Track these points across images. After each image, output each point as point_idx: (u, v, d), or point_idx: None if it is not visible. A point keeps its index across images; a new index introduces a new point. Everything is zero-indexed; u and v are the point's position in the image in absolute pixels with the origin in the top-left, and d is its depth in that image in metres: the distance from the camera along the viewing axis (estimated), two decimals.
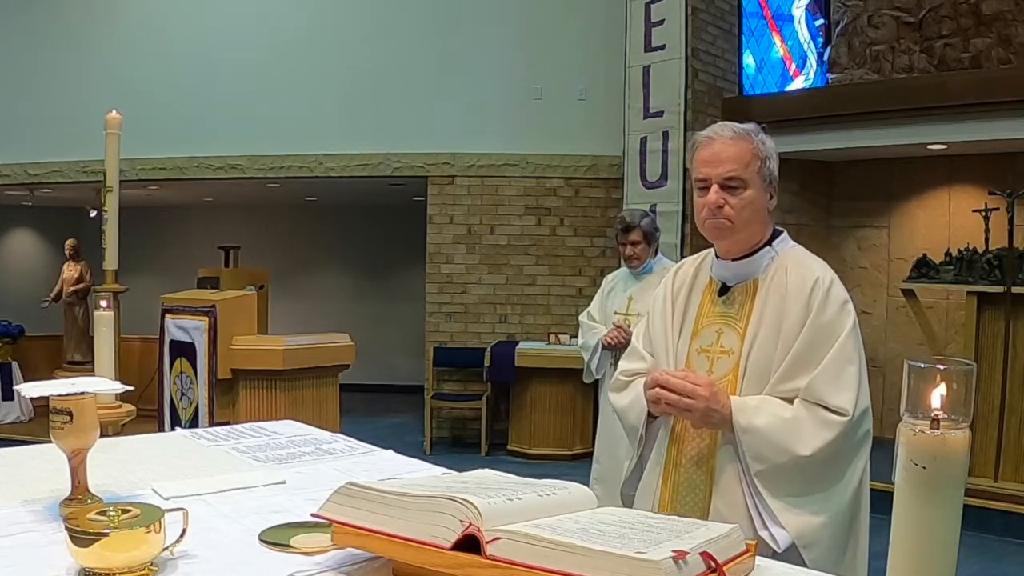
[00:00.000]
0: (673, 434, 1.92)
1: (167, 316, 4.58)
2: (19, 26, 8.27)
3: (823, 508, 1.75)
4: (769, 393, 1.80)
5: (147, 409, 3.77)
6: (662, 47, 6.80)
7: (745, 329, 1.86)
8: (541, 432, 7.11)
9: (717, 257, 1.96)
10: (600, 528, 0.97)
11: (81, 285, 9.28)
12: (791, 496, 1.74)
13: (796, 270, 1.86)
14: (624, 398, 2.04)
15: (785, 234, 1.95)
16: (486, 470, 1.28)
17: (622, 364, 2.12)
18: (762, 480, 1.75)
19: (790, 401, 1.78)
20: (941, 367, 0.84)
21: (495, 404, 7.62)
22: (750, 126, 1.93)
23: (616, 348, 4.19)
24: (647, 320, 2.09)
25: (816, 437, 1.73)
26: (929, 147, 6.50)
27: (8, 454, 1.66)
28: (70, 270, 9.37)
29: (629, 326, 4.17)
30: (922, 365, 0.85)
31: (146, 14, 8.15)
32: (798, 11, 7.65)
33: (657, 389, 1.81)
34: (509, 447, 7.28)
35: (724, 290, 1.92)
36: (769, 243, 1.91)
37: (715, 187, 1.85)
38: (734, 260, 1.91)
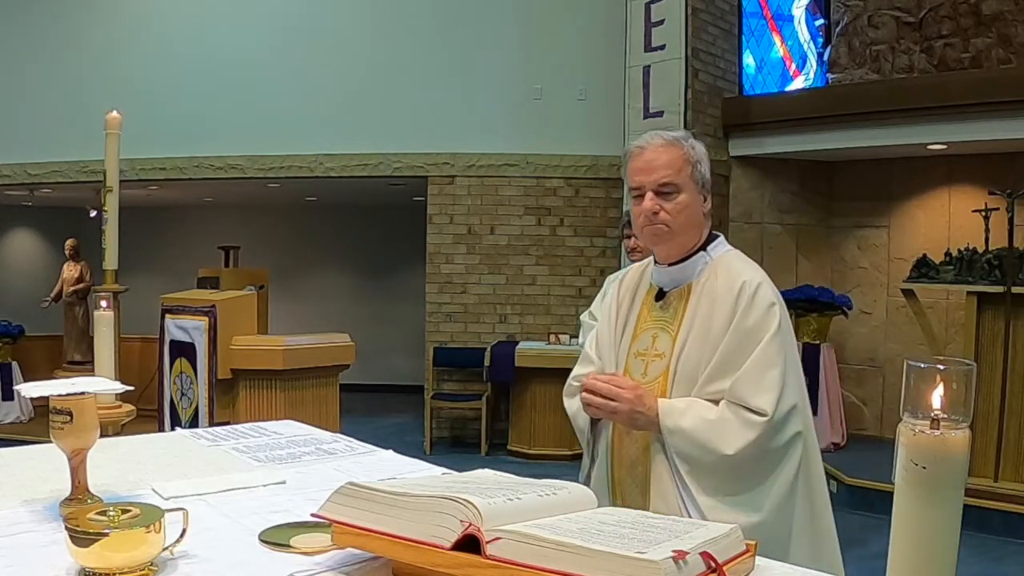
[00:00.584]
0: (613, 435, 1.99)
1: (167, 316, 4.58)
2: (19, 26, 8.27)
3: (755, 508, 1.79)
4: (697, 395, 1.85)
5: (147, 409, 3.77)
6: (662, 47, 6.80)
7: (677, 333, 1.91)
8: (541, 432, 7.11)
9: (656, 263, 2.01)
10: (600, 528, 0.97)
11: (81, 285, 9.28)
12: (720, 495, 1.79)
13: (725, 274, 1.90)
14: (574, 403, 2.09)
15: (721, 238, 2.00)
16: (486, 470, 1.28)
17: (575, 369, 2.18)
18: (691, 479, 1.80)
19: (717, 403, 1.82)
20: (941, 367, 0.84)
21: (495, 404, 7.62)
22: (680, 133, 1.97)
23: None
24: (598, 325, 2.17)
25: (739, 437, 1.77)
26: (929, 147, 6.50)
27: (8, 454, 1.66)
28: (70, 270, 9.38)
29: None
30: (922, 365, 0.84)
31: (146, 14, 8.15)
32: (798, 11, 7.65)
33: (584, 393, 1.88)
34: (509, 447, 7.28)
35: (661, 295, 1.98)
36: (704, 248, 1.95)
37: (650, 194, 1.89)
38: (670, 265, 1.96)
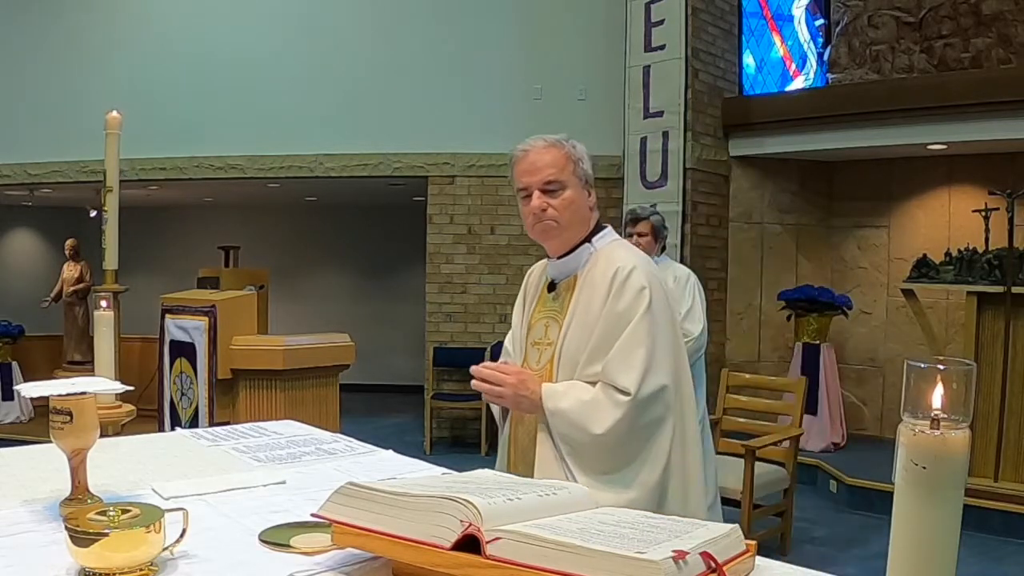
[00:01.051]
0: (511, 422, 2.12)
1: (167, 316, 4.58)
2: (19, 26, 8.27)
3: (629, 484, 1.88)
4: (577, 378, 1.95)
5: (147, 409, 3.77)
6: (662, 47, 6.80)
7: (563, 321, 2.03)
8: None
9: (548, 258, 2.14)
10: (600, 528, 0.97)
11: (81, 285, 9.28)
12: (596, 474, 1.87)
13: (604, 262, 2.01)
14: None
15: (608, 230, 2.11)
16: (486, 470, 1.28)
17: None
18: (571, 460, 1.90)
19: (594, 385, 1.93)
20: (941, 367, 0.84)
21: None
22: (560, 136, 2.09)
23: None
24: (513, 319, 2.31)
25: (608, 416, 1.86)
26: (929, 147, 6.50)
27: (8, 454, 1.66)
28: (70, 270, 9.38)
29: None
30: (922, 365, 0.84)
31: (146, 14, 8.15)
32: (798, 11, 7.65)
33: (473, 380, 2.01)
34: None
35: (552, 287, 2.11)
36: (589, 239, 2.07)
37: (537, 193, 2.01)
38: (559, 259, 2.08)
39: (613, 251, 2.03)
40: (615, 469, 1.88)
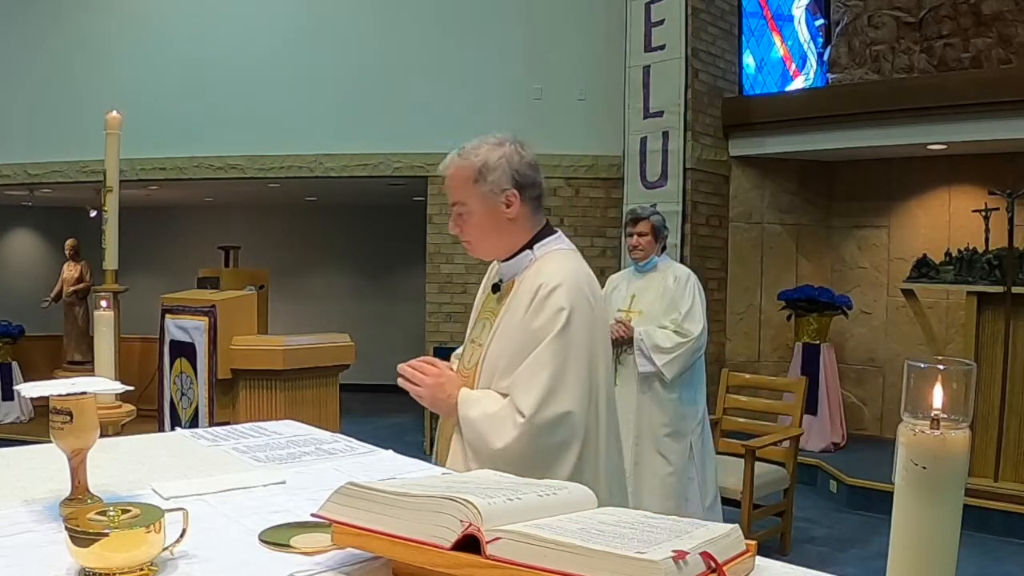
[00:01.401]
0: (441, 419, 2.12)
1: (167, 316, 4.58)
2: (19, 26, 8.27)
3: None
4: (493, 387, 1.94)
5: (147, 409, 3.77)
6: (662, 47, 6.80)
7: (494, 324, 2.01)
8: None
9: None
10: (600, 528, 0.97)
11: (81, 285, 9.28)
12: None
13: (536, 273, 1.97)
14: None
15: (555, 236, 2.06)
16: (486, 470, 1.28)
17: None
18: (475, 467, 1.86)
19: (506, 397, 1.91)
20: (941, 367, 0.84)
21: None
22: (475, 143, 2.03)
23: (618, 343, 4.20)
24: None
25: (507, 434, 1.84)
26: (929, 147, 6.51)
27: (8, 454, 1.66)
28: (70, 270, 9.38)
29: (631, 323, 4.18)
30: (922, 365, 0.84)
31: (146, 14, 8.15)
32: (798, 11, 7.65)
33: (399, 378, 2.01)
34: None
35: (497, 287, 2.08)
36: (531, 245, 2.02)
37: (452, 213, 2.02)
38: (503, 261, 2.06)
39: (548, 263, 1.98)
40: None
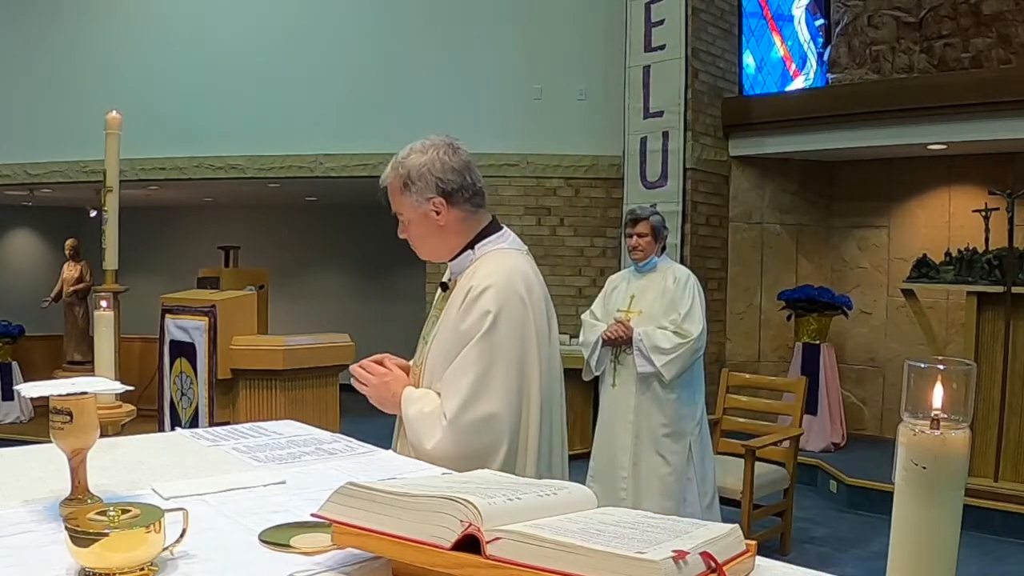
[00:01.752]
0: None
1: (167, 316, 4.58)
2: (19, 26, 8.27)
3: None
4: (433, 387, 1.96)
5: (147, 409, 3.77)
6: (662, 47, 6.80)
7: (437, 323, 2.06)
8: None
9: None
10: (600, 528, 0.97)
11: (81, 285, 9.28)
12: None
13: (471, 274, 1.99)
14: None
15: (497, 235, 2.06)
16: (486, 470, 1.28)
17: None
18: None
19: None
20: (941, 367, 0.84)
21: None
22: (406, 149, 2.04)
23: (617, 343, 4.20)
24: None
25: (435, 434, 1.86)
26: (929, 147, 6.51)
27: (8, 454, 1.66)
28: (70, 270, 9.38)
29: (630, 323, 4.18)
30: (922, 365, 0.84)
31: (146, 14, 8.15)
32: (798, 11, 7.65)
33: (352, 378, 2.10)
34: None
35: (445, 286, 2.12)
36: (472, 244, 2.03)
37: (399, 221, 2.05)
38: (450, 260, 2.08)
39: (485, 263, 1.99)
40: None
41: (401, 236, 2.06)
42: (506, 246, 2.06)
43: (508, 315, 1.90)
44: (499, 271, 1.96)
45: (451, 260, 2.06)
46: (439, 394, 1.91)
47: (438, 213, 1.99)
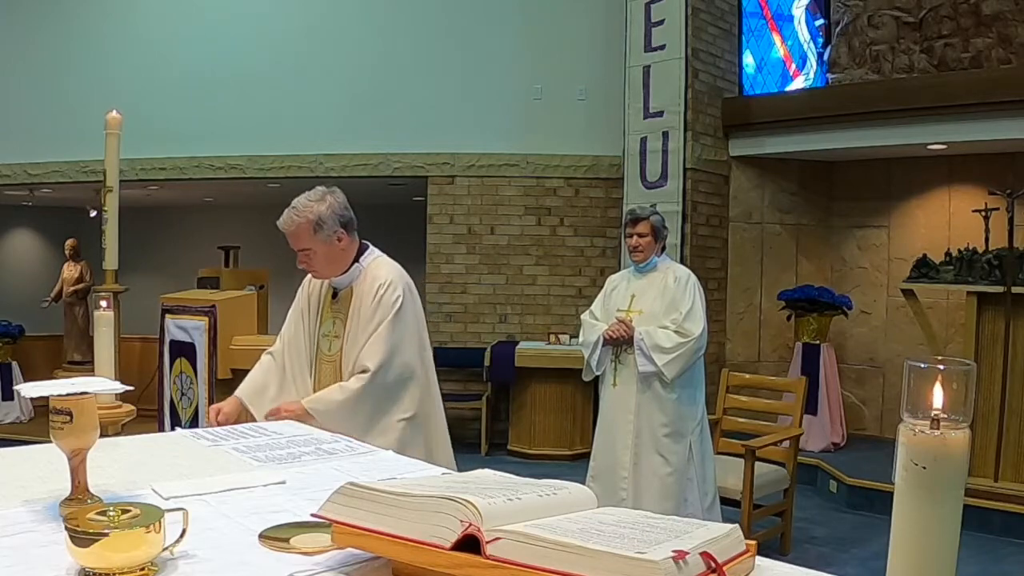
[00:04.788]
0: None
1: (167, 316, 4.58)
2: (19, 26, 8.27)
3: (381, 433, 2.61)
4: (351, 370, 2.73)
5: (147, 409, 3.77)
6: (662, 47, 6.80)
7: (346, 321, 2.79)
8: (541, 432, 7.11)
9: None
10: (600, 528, 0.97)
11: (81, 285, 9.28)
12: (358, 427, 2.53)
13: (371, 278, 2.78)
14: None
15: (370, 249, 2.89)
16: (486, 470, 1.28)
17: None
18: (330, 424, 2.45)
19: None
20: (941, 367, 0.84)
21: (495, 404, 7.62)
22: (302, 202, 2.78)
23: (618, 342, 4.20)
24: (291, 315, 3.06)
25: (348, 388, 2.67)
26: (929, 147, 6.50)
27: (8, 454, 1.66)
28: (70, 270, 9.38)
29: (631, 322, 4.18)
30: (922, 365, 0.84)
31: (147, 14, 8.15)
32: (798, 11, 7.65)
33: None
34: (509, 447, 7.28)
35: (335, 294, 2.87)
36: (357, 259, 2.83)
37: (300, 256, 2.78)
38: (337, 277, 2.84)
39: (377, 268, 2.80)
40: (367, 422, 2.62)
41: (301, 265, 2.78)
42: (378, 255, 2.87)
43: (407, 300, 2.75)
44: (391, 272, 2.78)
45: (342, 274, 2.81)
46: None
47: (340, 240, 2.77)
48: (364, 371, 2.64)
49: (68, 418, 1.25)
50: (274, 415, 2.63)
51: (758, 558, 1.06)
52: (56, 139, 8.03)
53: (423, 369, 2.78)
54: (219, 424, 2.64)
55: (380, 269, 2.79)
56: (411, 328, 2.73)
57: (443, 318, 7.74)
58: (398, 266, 2.83)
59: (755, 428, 4.82)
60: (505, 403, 7.47)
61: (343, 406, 2.62)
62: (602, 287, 4.59)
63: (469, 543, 0.94)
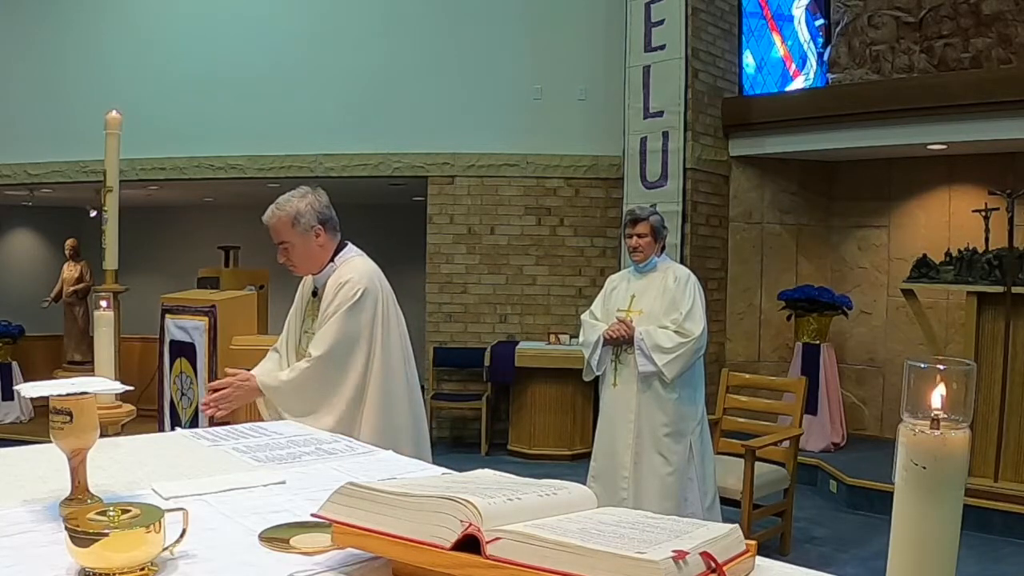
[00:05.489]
0: None
1: (167, 316, 4.58)
2: (18, 26, 8.27)
3: (329, 412, 2.73)
4: None
5: (147, 409, 3.77)
6: (662, 47, 6.80)
7: (317, 318, 2.89)
8: (541, 432, 7.11)
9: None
10: (600, 528, 0.97)
11: (81, 285, 9.28)
12: (298, 414, 2.65)
13: (337, 276, 2.86)
14: None
15: (347, 248, 2.95)
16: (486, 470, 1.28)
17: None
18: (277, 400, 2.78)
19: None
20: (941, 367, 0.84)
21: (495, 404, 7.62)
22: (285, 195, 2.87)
23: (618, 342, 4.20)
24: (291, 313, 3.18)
25: (295, 368, 2.81)
26: (929, 147, 6.50)
27: (8, 454, 1.66)
28: (70, 270, 9.37)
29: (631, 322, 4.18)
30: (922, 365, 0.84)
31: (147, 14, 8.15)
32: (798, 11, 7.65)
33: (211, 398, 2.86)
34: (509, 447, 7.28)
35: (316, 293, 2.97)
36: (333, 258, 2.91)
37: (280, 250, 2.89)
38: (316, 275, 2.95)
39: (345, 268, 2.88)
40: (316, 401, 2.73)
41: (280, 260, 2.89)
42: (354, 254, 2.94)
43: (368, 293, 2.80)
44: (356, 270, 2.86)
45: (316, 274, 2.92)
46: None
47: (318, 236, 2.86)
48: (309, 356, 2.77)
49: (68, 418, 1.25)
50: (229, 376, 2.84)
51: (758, 558, 1.06)
52: (56, 139, 8.03)
53: (369, 360, 2.82)
54: (216, 392, 2.80)
55: (347, 267, 2.87)
56: (366, 320, 2.79)
57: (443, 318, 7.74)
58: (371, 266, 2.90)
59: (755, 428, 4.82)
60: (505, 403, 7.47)
61: (287, 384, 2.76)
62: (602, 287, 4.59)
63: (469, 543, 0.94)
